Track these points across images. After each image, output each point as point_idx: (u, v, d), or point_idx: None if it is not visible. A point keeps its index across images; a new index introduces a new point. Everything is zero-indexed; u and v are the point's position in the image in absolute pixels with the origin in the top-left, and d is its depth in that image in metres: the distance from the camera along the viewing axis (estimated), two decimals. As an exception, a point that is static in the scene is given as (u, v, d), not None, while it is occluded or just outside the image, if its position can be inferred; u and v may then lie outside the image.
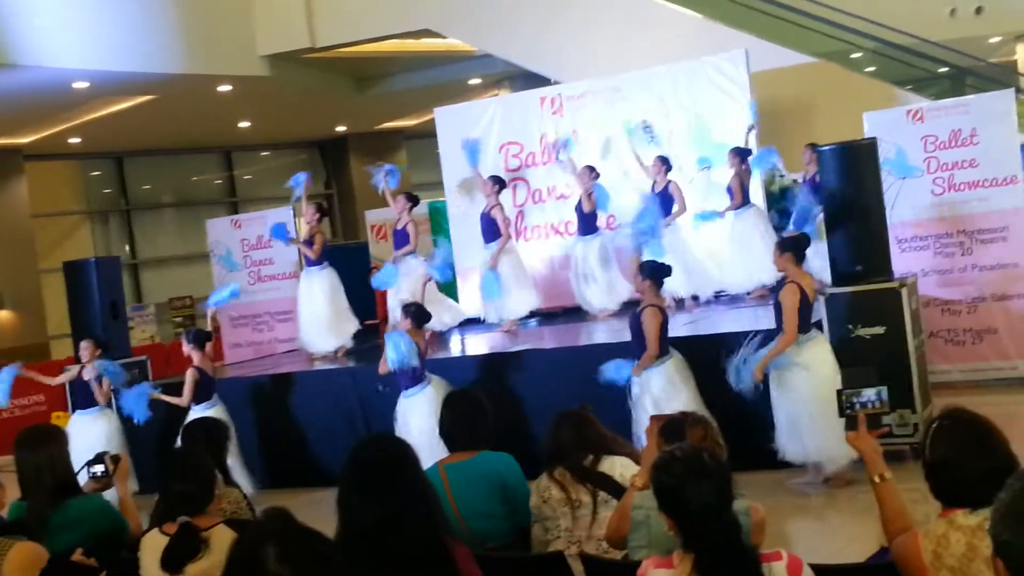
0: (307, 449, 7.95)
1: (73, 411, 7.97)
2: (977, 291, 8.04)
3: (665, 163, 8.98)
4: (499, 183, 9.15)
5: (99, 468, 4.00)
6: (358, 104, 15.59)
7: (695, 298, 8.94)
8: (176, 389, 7.52)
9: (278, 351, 10.36)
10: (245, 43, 12.57)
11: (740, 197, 8.74)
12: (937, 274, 8.13)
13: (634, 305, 6.49)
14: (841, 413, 3.12)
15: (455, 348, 9.15)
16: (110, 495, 4.06)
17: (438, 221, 10.85)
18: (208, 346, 7.43)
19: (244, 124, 16.20)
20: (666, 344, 6.15)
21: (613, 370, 6.14)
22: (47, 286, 14.68)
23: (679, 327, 7.42)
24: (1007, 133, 7.98)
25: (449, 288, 10.44)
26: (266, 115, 15.59)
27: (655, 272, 6.11)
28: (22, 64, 10.48)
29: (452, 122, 10.46)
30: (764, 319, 6.86)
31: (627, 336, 6.39)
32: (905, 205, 8.05)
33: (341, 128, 17.98)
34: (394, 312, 8.11)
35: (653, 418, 3.66)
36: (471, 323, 9.73)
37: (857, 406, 3.08)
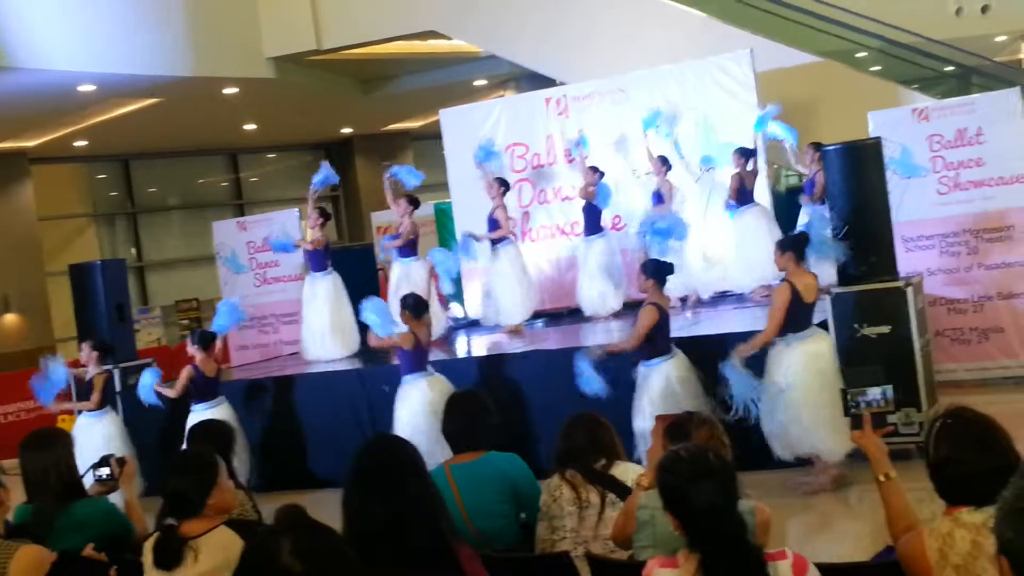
0: (313, 450, 7.96)
1: (78, 414, 7.98)
2: (983, 290, 8.02)
3: (665, 163, 8.99)
4: (504, 184, 9.16)
5: (105, 471, 4.01)
6: (364, 106, 15.60)
7: (698, 298, 8.95)
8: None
9: (284, 353, 10.37)
10: (251, 45, 12.59)
11: (736, 196, 8.73)
12: (943, 273, 8.11)
13: (639, 306, 6.49)
14: (846, 412, 3.12)
15: (459, 350, 9.15)
16: (116, 497, 4.07)
17: (443, 222, 10.86)
18: (218, 347, 7.50)
19: (250, 126, 16.23)
20: (666, 343, 6.12)
21: (587, 383, 6.12)
22: (53, 289, 14.71)
23: (682, 327, 7.42)
24: (1013, 132, 7.95)
25: (455, 288, 10.47)
26: (272, 117, 15.61)
27: (658, 271, 6.11)
28: (28, 67, 10.51)
29: (458, 123, 10.47)
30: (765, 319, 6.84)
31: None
32: (911, 204, 8.03)
33: (347, 130, 18.00)
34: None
35: (658, 418, 3.66)
36: (477, 324, 9.76)
37: (862, 405, 3.08)
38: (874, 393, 3.10)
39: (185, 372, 7.27)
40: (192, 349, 7.35)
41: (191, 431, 4.76)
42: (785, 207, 9.36)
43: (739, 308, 8.61)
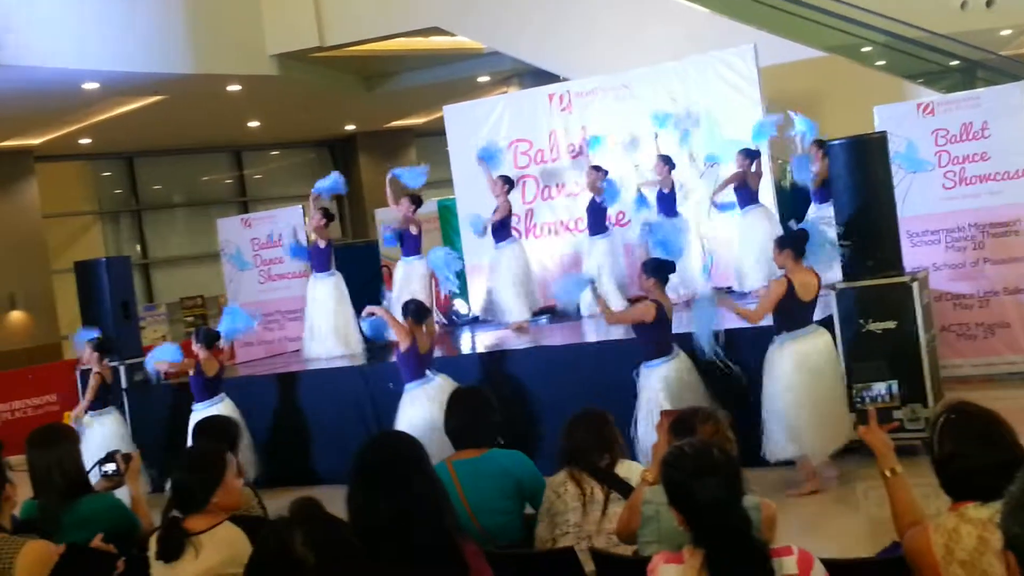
0: (317, 447, 7.97)
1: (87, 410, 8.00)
2: (989, 285, 8.00)
3: (668, 163, 8.97)
4: (508, 183, 9.15)
5: (111, 466, 4.02)
6: (367, 103, 15.60)
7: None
8: (185, 388, 7.64)
9: (288, 349, 10.39)
10: (254, 43, 12.60)
11: (723, 193, 8.75)
12: (949, 268, 8.09)
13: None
14: (852, 408, 3.12)
15: (463, 346, 9.16)
16: (122, 493, 4.08)
17: (447, 219, 10.86)
18: (225, 348, 7.54)
19: (254, 124, 16.24)
20: (667, 343, 6.10)
21: (564, 290, 6.21)
22: (59, 286, 14.74)
23: (684, 324, 7.41)
24: (1019, 126, 7.92)
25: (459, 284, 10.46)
26: (275, 114, 15.62)
27: (658, 270, 6.09)
28: (32, 65, 10.53)
29: (461, 120, 10.47)
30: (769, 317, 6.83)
31: (633, 333, 6.37)
32: (916, 199, 8.01)
33: (350, 127, 18.00)
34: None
35: (664, 413, 3.65)
36: (482, 320, 9.76)
37: (867, 400, 3.08)
38: (879, 388, 3.10)
39: (189, 365, 7.33)
40: (197, 347, 7.37)
41: (197, 427, 4.77)
42: (791, 204, 9.34)
43: (747, 303, 8.58)
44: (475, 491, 3.80)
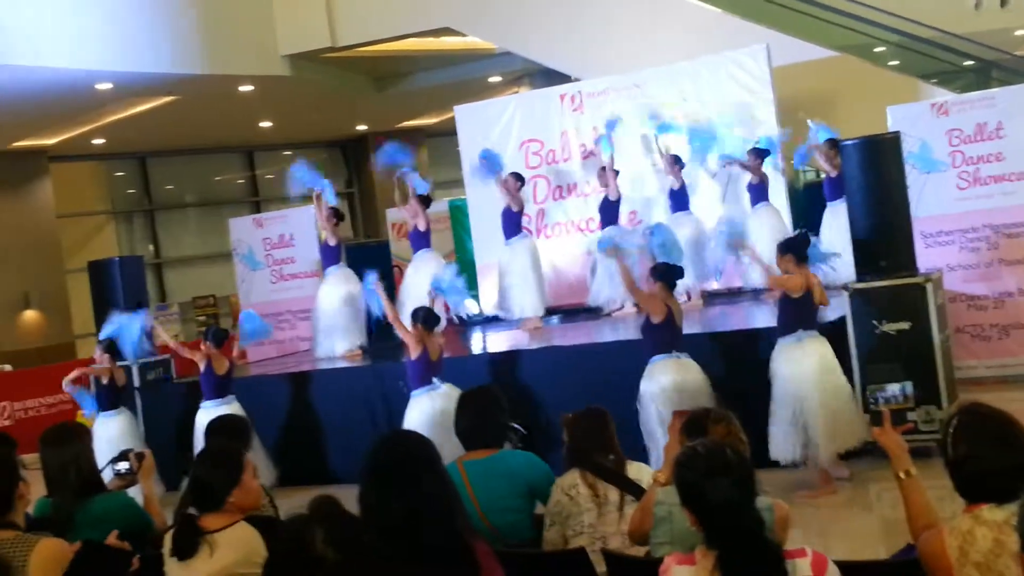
0: (328, 446, 7.98)
1: (98, 411, 8.03)
2: (1003, 286, 7.95)
3: (677, 162, 8.96)
4: (519, 180, 9.14)
5: (124, 465, 4.03)
6: (378, 103, 15.63)
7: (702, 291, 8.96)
8: (195, 388, 7.66)
9: (300, 349, 10.41)
10: (266, 43, 12.64)
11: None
12: (963, 269, 8.04)
13: None
14: (866, 408, 3.10)
15: (474, 346, 9.16)
16: (135, 492, 4.09)
17: (459, 219, 10.86)
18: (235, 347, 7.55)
19: (265, 124, 16.29)
20: (674, 342, 6.07)
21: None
22: (72, 286, 14.82)
23: (693, 325, 7.39)
24: (1033, 126, 7.88)
25: (470, 284, 10.45)
26: (287, 115, 15.67)
27: (666, 275, 6.05)
28: (46, 66, 10.58)
29: (472, 120, 10.46)
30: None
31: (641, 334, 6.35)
32: (930, 200, 7.97)
33: (362, 127, 18.04)
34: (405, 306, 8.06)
35: (675, 414, 3.64)
36: (492, 320, 9.75)
37: (881, 401, 3.06)
38: (893, 389, 3.09)
39: (199, 355, 7.34)
40: (207, 347, 7.38)
41: (210, 426, 4.77)
42: (804, 205, 9.32)
43: (759, 304, 8.56)
44: (486, 491, 3.79)
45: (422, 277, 8.85)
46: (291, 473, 7.63)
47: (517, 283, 8.97)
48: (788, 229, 8.35)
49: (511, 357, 7.74)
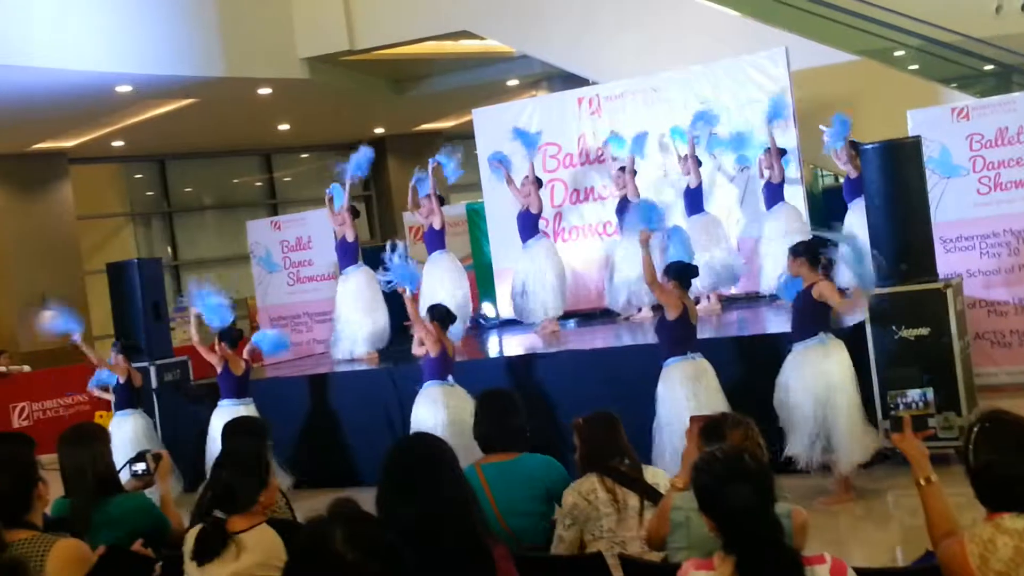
0: (345, 449, 7.99)
1: (115, 411, 8.08)
2: (1024, 292, 7.89)
3: (697, 162, 8.96)
4: (537, 182, 9.13)
5: (141, 466, 4.05)
6: (396, 106, 15.66)
7: (721, 296, 8.93)
8: (213, 389, 7.69)
9: (316, 352, 10.43)
10: (284, 46, 12.69)
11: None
12: (983, 275, 7.98)
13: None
14: (885, 414, 3.08)
15: (490, 349, 9.15)
16: (152, 493, 4.10)
17: (476, 222, 10.86)
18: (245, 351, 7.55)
19: (284, 126, 16.35)
20: (688, 343, 6.04)
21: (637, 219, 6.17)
22: (91, 287, 14.91)
23: (711, 329, 7.36)
24: (1055, 131, 7.82)
25: (487, 287, 10.46)
26: (305, 117, 15.72)
27: (681, 273, 6.02)
28: (66, 68, 10.66)
29: (490, 123, 10.47)
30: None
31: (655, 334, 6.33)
32: (950, 205, 7.92)
33: (379, 130, 18.07)
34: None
35: (693, 419, 3.62)
36: (511, 323, 9.74)
37: (901, 407, 3.03)
38: (914, 395, 3.05)
39: (215, 357, 7.35)
40: (221, 347, 7.41)
41: (229, 427, 4.78)
42: (822, 209, 9.27)
43: (777, 308, 8.52)
44: (504, 494, 3.79)
45: (436, 279, 8.86)
46: (307, 476, 7.64)
47: (536, 285, 8.92)
48: (807, 230, 8.31)
49: (528, 360, 7.73)
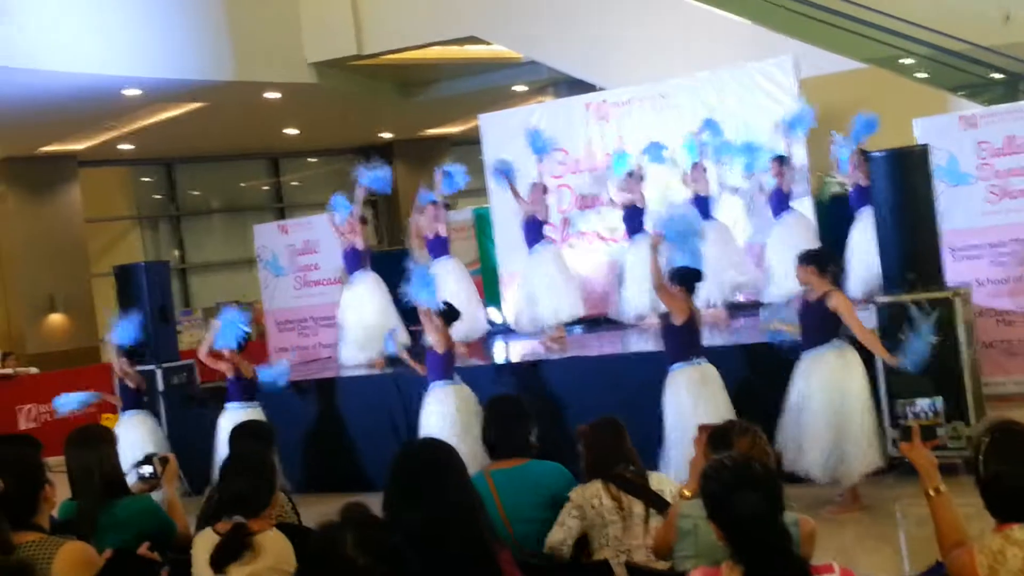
0: (351, 454, 7.99)
1: (121, 413, 8.08)
2: (1033, 301, 7.85)
3: (702, 168, 8.95)
4: (544, 188, 9.10)
5: (147, 469, 4.05)
6: (404, 111, 15.69)
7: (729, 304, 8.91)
8: (219, 392, 7.68)
9: (322, 356, 10.43)
10: (293, 51, 12.72)
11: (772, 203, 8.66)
12: (992, 284, 7.95)
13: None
14: (894, 424, 3.07)
15: (497, 355, 9.13)
16: (158, 496, 4.10)
17: (482, 228, 10.86)
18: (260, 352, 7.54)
19: (291, 131, 16.39)
20: (693, 348, 6.03)
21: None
22: (98, 290, 14.95)
23: (715, 337, 7.34)
24: (1064, 139, 7.79)
25: (492, 292, 10.45)
26: (313, 122, 15.75)
27: (686, 278, 6.01)
28: (74, 71, 10.70)
29: (497, 128, 10.48)
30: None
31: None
32: (958, 213, 7.88)
33: (387, 135, 18.11)
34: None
35: (701, 427, 3.61)
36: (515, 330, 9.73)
37: (910, 416, 3.03)
38: (923, 404, 3.05)
39: (224, 364, 7.33)
40: (230, 353, 7.39)
41: (237, 431, 4.77)
42: (829, 218, 9.25)
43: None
44: (512, 500, 3.77)
45: (442, 285, 8.82)
46: (313, 480, 7.65)
47: (544, 290, 8.88)
48: (815, 238, 8.29)
49: (534, 367, 7.72)
